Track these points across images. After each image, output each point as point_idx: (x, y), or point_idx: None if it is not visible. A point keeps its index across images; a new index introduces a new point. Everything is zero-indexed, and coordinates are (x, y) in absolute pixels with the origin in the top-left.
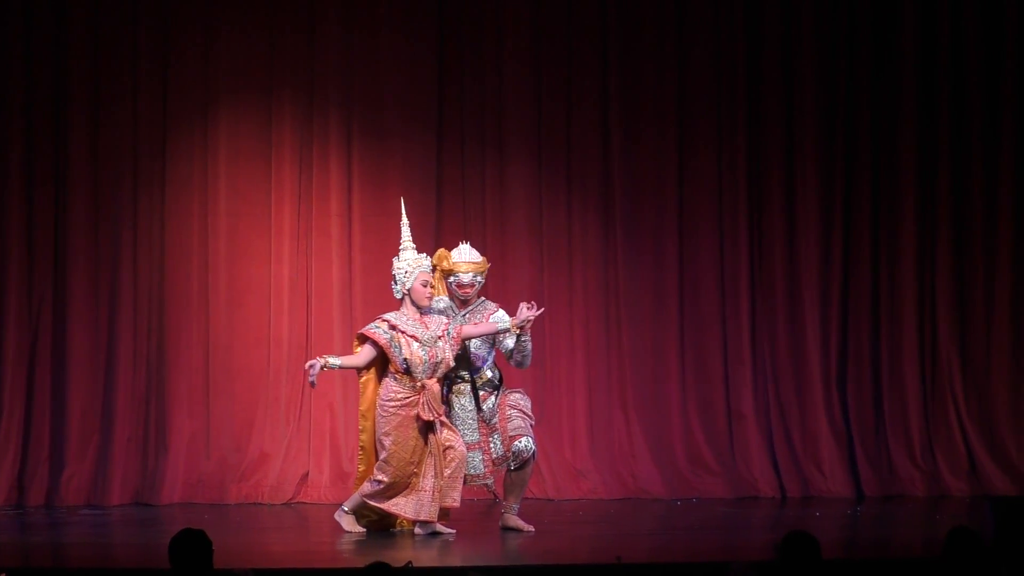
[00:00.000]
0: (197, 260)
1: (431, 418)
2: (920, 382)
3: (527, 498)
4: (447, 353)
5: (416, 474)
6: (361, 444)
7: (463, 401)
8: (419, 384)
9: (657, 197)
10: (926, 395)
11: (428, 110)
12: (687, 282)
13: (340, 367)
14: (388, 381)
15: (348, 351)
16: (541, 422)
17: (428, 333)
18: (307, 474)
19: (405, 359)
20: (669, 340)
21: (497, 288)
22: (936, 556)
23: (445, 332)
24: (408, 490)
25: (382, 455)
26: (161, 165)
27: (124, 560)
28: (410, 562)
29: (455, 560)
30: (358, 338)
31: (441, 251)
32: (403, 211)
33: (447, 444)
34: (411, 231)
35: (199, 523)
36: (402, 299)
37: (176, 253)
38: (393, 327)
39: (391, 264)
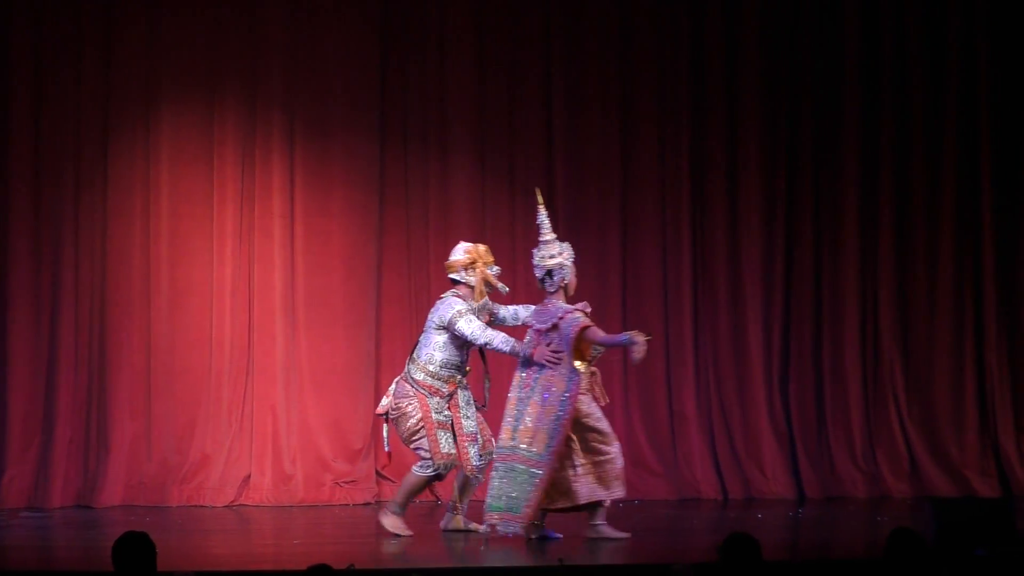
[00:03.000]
0: (139, 261)
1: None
2: (862, 384)
3: (471, 500)
4: None
5: None
6: None
7: (468, 393)
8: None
9: (600, 197)
10: (868, 397)
11: (371, 110)
12: (630, 282)
13: None
14: None
15: (291, 352)
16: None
17: None
18: (249, 476)
19: None
20: None
21: (441, 289)
22: (878, 557)
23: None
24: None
25: None
26: (103, 166)
27: (66, 563)
28: (351, 565)
29: (397, 562)
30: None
31: (482, 246)
32: (540, 200)
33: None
34: (353, 232)
35: (141, 525)
36: (555, 292)
37: (118, 254)
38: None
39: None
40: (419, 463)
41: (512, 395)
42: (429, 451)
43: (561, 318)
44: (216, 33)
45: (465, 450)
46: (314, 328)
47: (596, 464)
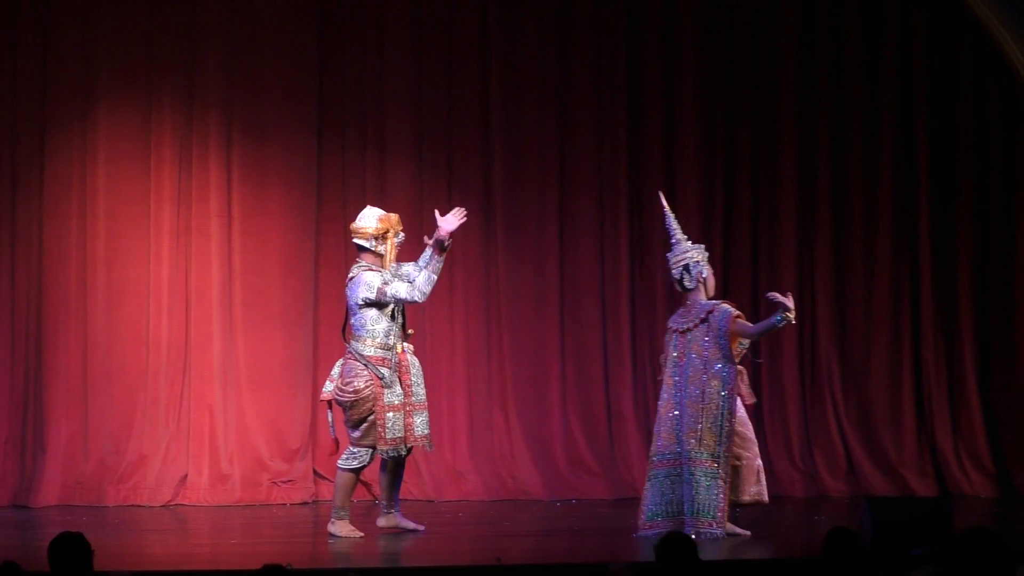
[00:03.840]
0: (75, 261)
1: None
2: (799, 384)
3: (405, 499)
4: None
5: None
6: None
7: (417, 359)
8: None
9: (538, 198)
10: (805, 396)
11: (308, 108)
12: (567, 283)
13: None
14: None
15: (228, 352)
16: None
17: None
18: (186, 476)
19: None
20: (549, 341)
21: None
22: (815, 556)
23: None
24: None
25: None
26: (39, 166)
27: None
28: (289, 564)
29: (335, 562)
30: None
31: (394, 215)
32: (664, 203)
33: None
34: (291, 231)
35: (78, 525)
36: (695, 288)
37: (54, 254)
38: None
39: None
40: (344, 457)
41: (664, 400)
42: (366, 438)
43: (711, 311)
44: (153, 31)
45: (411, 419)
46: (251, 327)
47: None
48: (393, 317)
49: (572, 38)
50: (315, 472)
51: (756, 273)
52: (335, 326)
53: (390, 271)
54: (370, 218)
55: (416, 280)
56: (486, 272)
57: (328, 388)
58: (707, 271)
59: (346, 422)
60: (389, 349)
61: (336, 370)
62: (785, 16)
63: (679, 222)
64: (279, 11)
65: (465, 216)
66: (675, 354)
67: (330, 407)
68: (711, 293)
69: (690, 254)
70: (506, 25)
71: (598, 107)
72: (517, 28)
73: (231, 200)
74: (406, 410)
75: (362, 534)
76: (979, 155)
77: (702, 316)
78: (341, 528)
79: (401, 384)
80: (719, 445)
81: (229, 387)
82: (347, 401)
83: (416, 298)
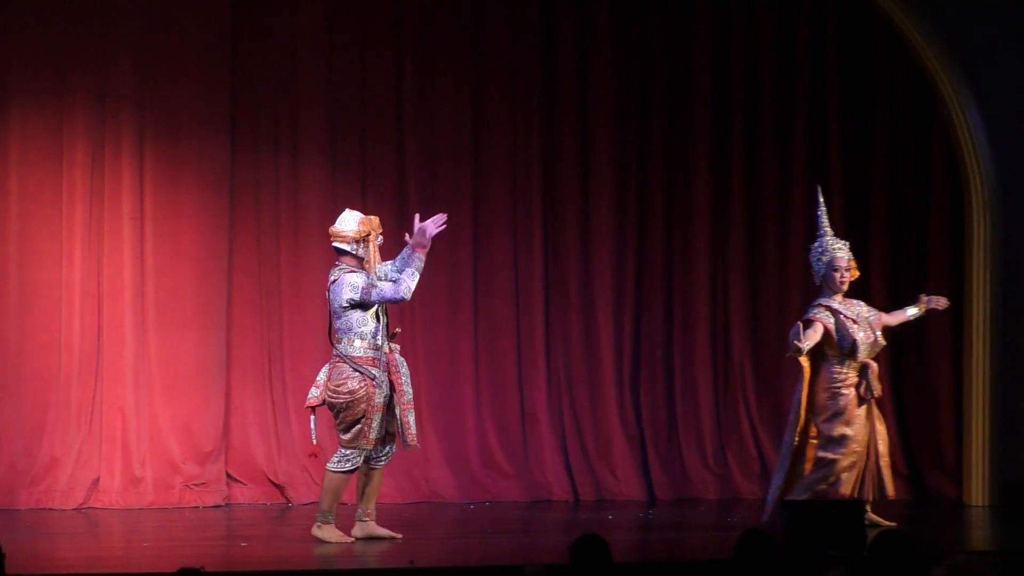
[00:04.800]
0: None
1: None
2: (712, 386)
3: (318, 502)
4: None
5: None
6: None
7: (404, 359)
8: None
9: (452, 200)
10: (718, 398)
11: (221, 111)
12: (481, 285)
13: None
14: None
15: (141, 354)
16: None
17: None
18: (98, 479)
19: (852, 341)
20: (463, 343)
21: (292, 291)
22: (728, 558)
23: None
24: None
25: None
26: None
27: None
28: (202, 567)
29: (250, 565)
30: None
31: (375, 218)
32: (820, 199)
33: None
34: (204, 233)
35: None
36: (820, 286)
37: None
38: (834, 311)
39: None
40: (335, 460)
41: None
42: (358, 439)
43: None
44: (66, 31)
45: (406, 419)
46: (164, 330)
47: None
48: (378, 318)
49: (486, 39)
50: (228, 475)
51: (669, 274)
52: (247, 328)
53: (374, 277)
54: (351, 221)
55: (401, 278)
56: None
57: (314, 394)
58: (823, 271)
59: (337, 425)
60: (378, 349)
61: (322, 375)
62: (699, 19)
63: (592, 222)
64: (192, 11)
65: (445, 224)
66: None
67: (313, 413)
68: (837, 290)
69: (814, 254)
70: (420, 26)
71: (512, 109)
72: (431, 29)
73: (144, 201)
74: (400, 409)
75: (352, 539)
76: (891, 156)
77: None
78: (328, 533)
79: (391, 384)
80: (786, 436)
81: (142, 389)
82: (342, 403)
83: (403, 295)
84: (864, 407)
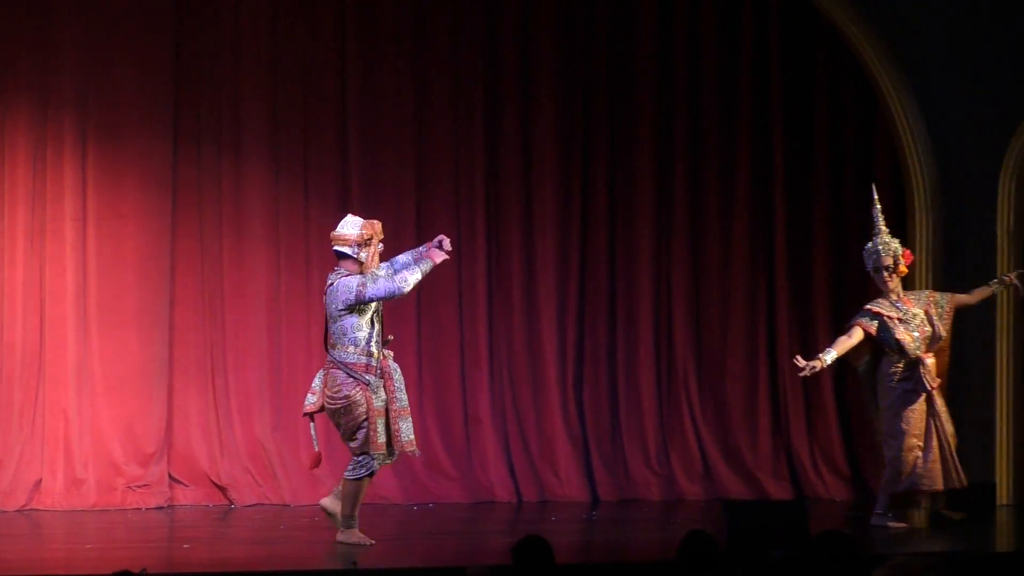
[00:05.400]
0: None
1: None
2: (655, 387)
3: (263, 504)
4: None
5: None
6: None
7: (398, 365)
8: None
9: (395, 202)
10: (662, 400)
11: (164, 112)
12: (424, 286)
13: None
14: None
15: (83, 355)
16: (278, 427)
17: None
18: (40, 480)
19: (898, 341)
20: (406, 344)
21: (234, 292)
22: (671, 559)
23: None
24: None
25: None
26: None
27: None
28: (144, 569)
29: (192, 567)
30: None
31: (377, 222)
32: (875, 196)
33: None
34: (146, 235)
35: None
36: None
37: None
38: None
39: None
40: (351, 467)
41: None
42: (367, 444)
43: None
44: (6, 31)
45: (397, 426)
46: (107, 331)
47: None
48: (372, 324)
49: (429, 42)
50: (170, 476)
51: (613, 275)
52: (190, 329)
53: (369, 275)
54: (353, 225)
55: (400, 272)
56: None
57: (311, 400)
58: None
59: (342, 434)
60: (371, 356)
61: (317, 382)
62: (643, 20)
63: (535, 223)
64: (134, 11)
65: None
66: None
67: (312, 420)
68: (888, 288)
69: (866, 252)
70: (363, 25)
71: (455, 112)
72: (374, 28)
73: (86, 202)
74: (391, 416)
75: (373, 541)
76: (834, 158)
77: None
78: (351, 536)
79: (385, 390)
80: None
81: (84, 391)
82: (339, 407)
83: (399, 286)
84: (923, 400)
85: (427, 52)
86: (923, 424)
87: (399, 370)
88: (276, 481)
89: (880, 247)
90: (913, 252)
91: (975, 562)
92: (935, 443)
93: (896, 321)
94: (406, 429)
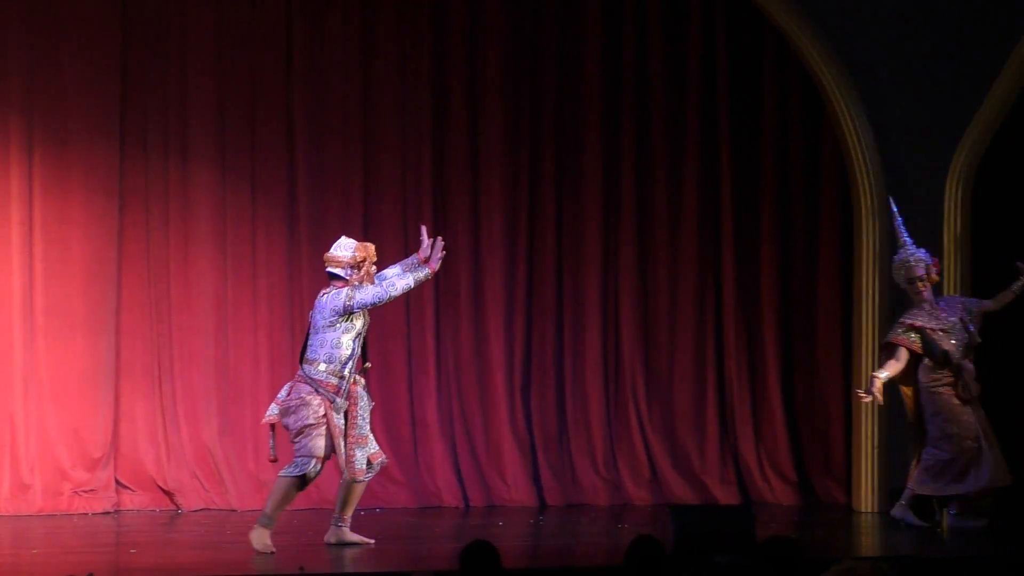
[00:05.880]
0: None
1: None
2: (603, 392)
3: (207, 508)
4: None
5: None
6: None
7: (367, 393)
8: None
9: (342, 207)
10: (609, 405)
11: (111, 117)
12: None
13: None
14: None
15: (29, 360)
16: (225, 431)
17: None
18: None
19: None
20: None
21: (181, 297)
22: (618, 564)
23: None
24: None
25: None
26: None
27: None
28: (91, 574)
29: (139, 573)
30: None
31: (371, 245)
32: (895, 209)
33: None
34: (93, 239)
35: None
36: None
37: None
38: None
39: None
40: (288, 465)
41: None
42: (308, 448)
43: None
44: None
45: (352, 453)
46: (53, 335)
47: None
48: (354, 345)
49: (375, 50)
50: (117, 481)
51: (560, 281)
52: (137, 334)
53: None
54: (347, 247)
55: (390, 279)
56: (289, 280)
57: (273, 411)
58: (903, 282)
59: (291, 434)
60: (343, 378)
61: (283, 393)
62: (590, 20)
63: (482, 228)
64: (81, 16)
65: (443, 250)
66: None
67: (272, 430)
68: (919, 298)
69: (895, 267)
70: (310, 30)
71: (402, 118)
72: (321, 33)
73: (32, 207)
74: (348, 441)
75: (273, 550)
76: (781, 163)
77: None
78: (256, 537)
79: (348, 414)
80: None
81: (30, 395)
82: (291, 406)
83: (387, 292)
84: (967, 404)
85: (374, 53)
86: (975, 427)
87: (366, 398)
88: (223, 486)
89: (910, 259)
90: (860, 257)
91: (922, 566)
92: (988, 443)
93: (939, 333)
94: (360, 458)
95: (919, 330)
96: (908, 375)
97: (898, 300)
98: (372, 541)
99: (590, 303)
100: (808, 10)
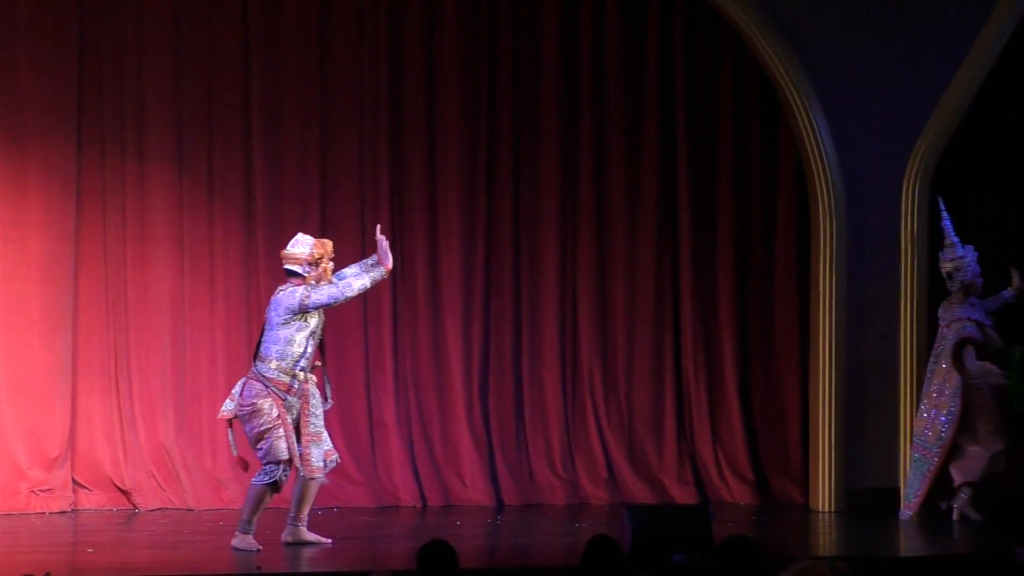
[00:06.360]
0: None
1: None
2: (561, 391)
3: (165, 508)
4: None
5: None
6: None
7: (318, 392)
8: None
9: (299, 205)
10: (567, 404)
11: (68, 117)
12: None
13: None
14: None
15: None
16: (182, 431)
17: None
18: None
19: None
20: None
21: (138, 296)
22: (575, 564)
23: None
24: None
25: None
26: None
27: None
28: (48, 574)
29: (96, 572)
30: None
31: (328, 242)
32: (944, 209)
33: None
34: (50, 239)
35: None
36: (957, 291)
37: None
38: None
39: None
40: (258, 473)
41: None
42: (271, 454)
43: (948, 325)
44: None
45: (308, 450)
46: (10, 334)
47: (957, 452)
48: (308, 343)
49: (332, 47)
50: (74, 480)
51: (518, 280)
52: (94, 333)
53: (313, 283)
54: (304, 244)
55: (348, 280)
56: (247, 280)
57: (228, 406)
58: (970, 276)
59: (250, 442)
60: (294, 376)
61: (237, 388)
62: (547, 21)
63: (439, 227)
64: (38, 13)
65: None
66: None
67: (230, 425)
68: (975, 293)
69: (953, 261)
70: (266, 30)
71: (359, 117)
72: (277, 33)
73: None
74: (303, 439)
75: (260, 547)
76: (739, 163)
77: (946, 322)
78: (241, 541)
79: (301, 412)
80: (938, 441)
81: None
82: (245, 414)
83: (343, 293)
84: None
85: (331, 53)
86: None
87: (318, 396)
88: (180, 485)
89: (941, 258)
90: (817, 258)
91: (877, 567)
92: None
93: (988, 329)
94: (316, 455)
95: (980, 324)
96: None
97: (854, 300)
98: (329, 540)
99: (548, 303)
100: (766, 11)
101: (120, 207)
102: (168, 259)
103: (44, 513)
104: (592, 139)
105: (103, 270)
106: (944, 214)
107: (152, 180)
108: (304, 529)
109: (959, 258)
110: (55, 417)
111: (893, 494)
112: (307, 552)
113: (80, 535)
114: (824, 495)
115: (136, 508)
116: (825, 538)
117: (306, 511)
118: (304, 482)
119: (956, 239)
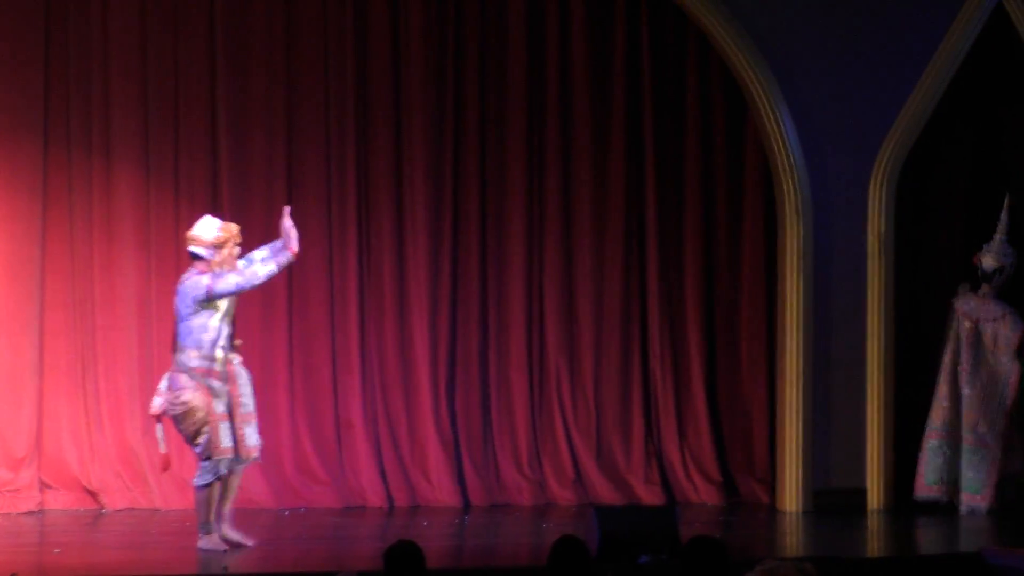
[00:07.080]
0: None
1: None
2: (528, 392)
3: (132, 508)
4: None
5: None
6: None
7: (245, 371)
8: None
9: (265, 205)
10: (534, 405)
11: (33, 116)
12: (296, 290)
13: None
14: None
15: None
16: (149, 431)
17: None
18: None
19: None
20: (277, 348)
21: (105, 296)
22: (542, 565)
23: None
24: None
25: None
26: None
27: None
28: (15, 574)
29: (63, 572)
30: None
31: (234, 226)
32: (1006, 203)
33: None
34: (15, 239)
35: None
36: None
37: None
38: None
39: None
40: (197, 475)
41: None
42: (209, 448)
43: (986, 320)
44: None
45: (242, 430)
46: None
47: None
48: (221, 327)
49: (299, 39)
50: (41, 481)
51: (484, 280)
52: (60, 333)
53: (219, 271)
54: (210, 227)
55: (253, 266)
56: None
57: (157, 402)
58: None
59: (185, 439)
60: (213, 360)
61: (163, 384)
62: (512, 20)
63: (406, 227)
64: (2, 16)
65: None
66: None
67: (159, 422)
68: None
69: (994, 263)
70: (233, 29)
71: (326, 115)
72: (245, 32)
73: None
74: (235, 421)
75: (227, 547)
76: (705, 163)
77: (995, 316)
78: (208, 542)
79: (230, 394)
80: (992, 429)
81: None
82: (178, 413)
83: (249, 282)
84: None
85: (297, 54)
86: None
87: (245, 374)
88: (147, 485)
89: (991, 252)
90: (784, 257)
91: (845, 567)
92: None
93: None
94: (250, 433)
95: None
96: None
97: (821, 299)
98: (252, 542)
99: (515, 303)
100: (731, 11)
101: (86, 207)
102: (135, 259)
103: (11, 513)
104: (558, 140)
105: (70, 270)
106: (1006, 209)
107: (118, 180)
108: (225, 526)
109: (1001, 257)
110: (22, 417)
111: (860, 494)
112: (273, 552)
113: (47, 535)
114: (791, 495)
115: (103, 508)
116: (792, 538)
117: (227, 507)
118: (226, 481)
119: (1002, 236)
